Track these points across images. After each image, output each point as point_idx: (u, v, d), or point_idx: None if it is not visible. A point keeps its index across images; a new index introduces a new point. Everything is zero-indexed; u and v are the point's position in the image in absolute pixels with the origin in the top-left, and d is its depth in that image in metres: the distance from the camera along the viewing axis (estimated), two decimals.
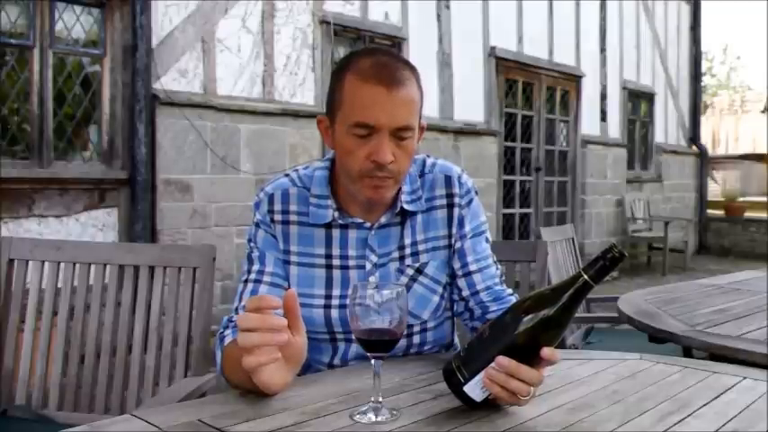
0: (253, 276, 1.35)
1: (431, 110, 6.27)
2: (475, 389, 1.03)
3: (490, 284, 1.39)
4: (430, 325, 1.40)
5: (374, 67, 1.23)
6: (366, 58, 1.27)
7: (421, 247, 1.38)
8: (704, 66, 16.97)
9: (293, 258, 1.36)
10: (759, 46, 49.97)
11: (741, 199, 13.29)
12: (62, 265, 1.88)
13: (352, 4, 5.71)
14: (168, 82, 4.53)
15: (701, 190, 11.04)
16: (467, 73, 6.71)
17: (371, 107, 1.21)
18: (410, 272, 1.37)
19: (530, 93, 7.70)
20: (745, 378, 1.25)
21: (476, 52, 6.89)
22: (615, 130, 8.89)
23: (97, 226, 4.31)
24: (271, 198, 1.37)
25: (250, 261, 1.38)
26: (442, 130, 6.41)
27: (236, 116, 4.88)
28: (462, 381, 1.04)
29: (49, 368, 1.86)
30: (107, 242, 4.12)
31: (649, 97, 9.67)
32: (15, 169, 3.99)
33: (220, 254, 2.33)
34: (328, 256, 1.35)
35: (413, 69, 1.29)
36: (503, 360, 0.99)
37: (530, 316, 1.01)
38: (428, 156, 1.45)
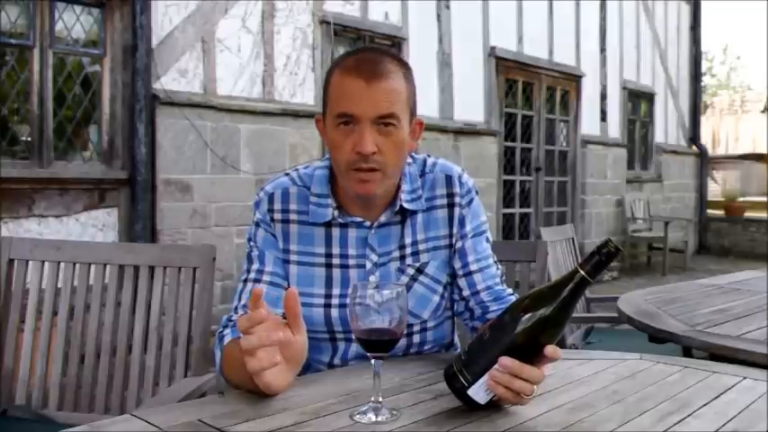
0: (252, 276, 1.36)
1: (431, 110, 6.27)
2: (479, 392, 1.03)
3: (491, 284, 1.39)
4: (430, 324, 1.40)
5: (356, 62, 1.28)
6: (352, 55, 1.32)
7: (421, 247, 1.38)
8: (704, 66, 16.97)
9: (293, 257, 1.36)
10: (759, 46, 49.99)
11: (741, 199, 13.29)
12: (62, 265, 1.88)
13: (352, 4, 5.71)
14: (168, 82, 4.53)
15: (701, 190, 11.04)
16: (467, 73, 6.71)
17: (351, 97, 1.24)
18: (410, 271, 1.37)
19: (530, 93, 7.70)
20: (745, 378, 1.25)
21: (476, 52, 6.89)
22: (615, 130, 8.89)
23: (97, 226, 4.31)
24: (271, 197, 1.38)
25: (250, 260, 1.38)
26: (442, 130, 6.41)
27: (236, 116, 4.88)
28: (465, 384, 1.04)
29: (49, 368, 1.86)
30: (107, 242, 4.11)
31: (649, 97, 9.67)
32: (15, 169, 3.99)
33: (220, 254, 2.33)
34: (328, 255, 1.36)
35: (401, 63, 1.31)
36: (506, 360, 0.99)
37: (529, 315, 1.01)
38: (429, 155, 1.45)
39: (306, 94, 5.34)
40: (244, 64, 4.94)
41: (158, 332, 1.84)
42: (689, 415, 1.06)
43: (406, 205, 1.36)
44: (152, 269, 1.86)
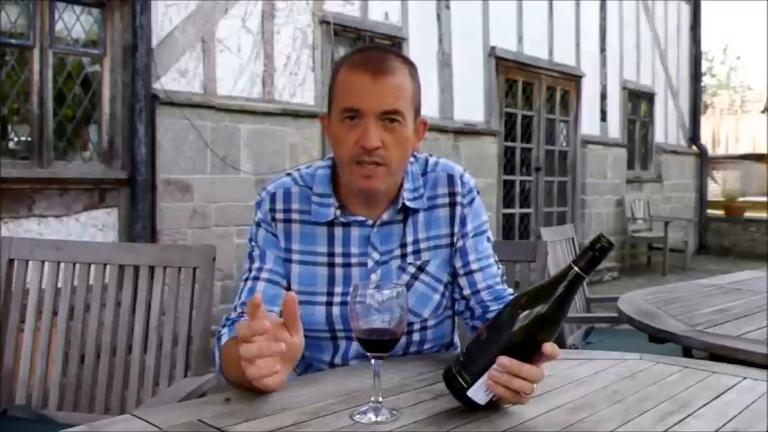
0: (252, 274, 1.37)
1: (431, 110, 6.26)
2: (478, 392, 1.03)
3: (491, 283, 1.40)
4: (430, 323, 1.41)
5: (363, 58, 1.30)
6: (359, 52, 1.34)
7: (423, 246, 1.39)
8: (704, 66, 16.96)
9: (295, 257, 1.37)
10: (759, 46, 49.98)
11: (741, 199, 13.29)
12: (62, 265, 1.88)
13: (352, 3, 5.71)
14: (168, 82, 4.53)
15: (701, 190, 11.04)
16: (467, 73, 6.71)
17: (356, 92, 1.25)
18: (412, 270, 1.38)
19: (530, 93, 7.70)
20: (745, 378, 1.25)
21: (476, 52, 6.89)
22: (615, 130, 8.89)
23: (97, 226, 4.31)
24: (273, 197, 1.38)
25: (251, 259, 1.39)
26: (442, 130, 6.41)
27: (236, 116, 4.88)
28: (465, 386, 1.04)
29: (49, 368, 1.86)
30: (107, 242, 4.11)
31: (649, 97, 9.67)
32: (15, 169, 3.99)
33: (220, 254, 2.33)
34: (330, 254, 1.36)
35: (406, 62, 1.33)
36: (504, 360, 1.00)
37: (525, 313, 1.01)
38: (430, 155, 1.46)
39: (306, 94, 5.33)
40: (244, 64, 4.94)
41: (158, 332, 1.84)
42: (689, 415, 1.06)
43: (408, 203, 1.37)
44: (152, 269, 1.86)
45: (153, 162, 4.44)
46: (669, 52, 10.04)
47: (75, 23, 4.26)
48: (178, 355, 1.83)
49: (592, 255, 1.01)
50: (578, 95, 8.23)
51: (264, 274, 1.35)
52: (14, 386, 1.86)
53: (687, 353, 2.12)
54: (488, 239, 1.44)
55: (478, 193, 1.45)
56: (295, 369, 1.36)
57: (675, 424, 1.02)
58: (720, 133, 19.07)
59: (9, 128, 4.12)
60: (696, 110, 10.85)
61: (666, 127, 10.14)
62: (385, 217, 1.36)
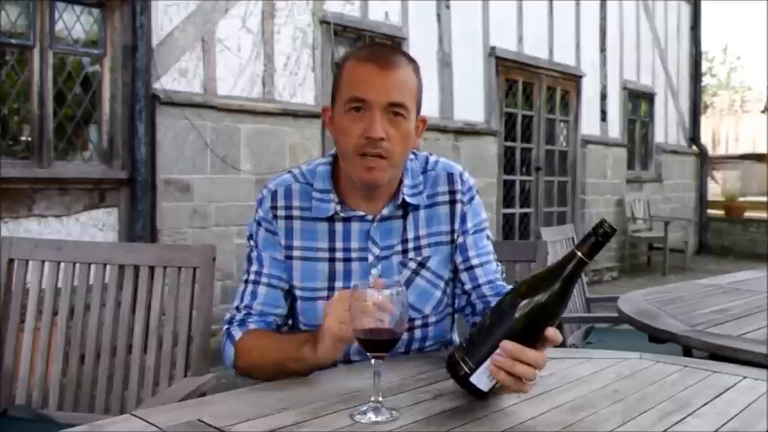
0: (252, 277, 1.40)
1: (431, 110, 6.26)
2: (481, 378, 1.03)
3: (492, 279, 1.42)
4: (431, 320, 1.42)
5: (370, 52, 1.35)
6: (366, 47, 1.42)
7: (423, 242, 1.41)
8: (704, 66, 16.94)
9: (296, 253, 1.38)
10: (759, 46, 49.98)
11: (741, 199, 13.29)
12: (62, 265, 1.88)
13: (353, 3, 5.71)
14: (168, 82, 4.53)
15: (701, 190, 11.03)
16: (467, 73, 6.71)
17: (364, 83, 1.28)
18: (413, 265, 1.40)
19: (530, 93, 7.69)
20: (745, 378, 1.25)
21: (476, 52, 6.89)
22: (615, 130, 8.89)
23: (97, 226, 4.31)
24: (274, 194, 1.40)
25: (249, 261, 1.42)
26: (442, 130, 6.41)
27: (236, 116, 4.88)
28: (468, 372, 1.04)
29: (49, 368, 1.86)
30: (107, 242, 4.11)
31: (649, 97, 9.67)
32: (15, 169, 3.99)
33: (220, 254, 2.33)
34: (331, 250, 1.38)
35: (411, 60, 1.36)
36: (507, 344, 1.00)
37: (528, 299, 1.01)
38: (430, 154, 1.48)
39: (306, 94, 5.33)
40: (244, 64, 4.94)
41: (158, 332, 1.84)
42: (689, 414, 1.06)
43: (407, 199, 1.39)
44: (152, 269, 1.86)
45: (153, 162, 4.44)
46: (669, 52, 10.04)
47: (75, 23, 4.26)
48: (178, 355, 1.83)
49: (594, 240, 1.01)
50: (578, 95, 8.23)
51: (264, 279, 1.38)
52: (14, 386, 1.86)
53: (687, 353, 2.12)
54: (488, 237, 1.47)
55: (477, 191, 1.47)
56: None
57: (675, 423, 1.02)
58: (720, 133, 19.06)
59: (9, 128, 4.12)
60: (696, 110, 10.85)
61: (666, 127, 10.14)
62: (385, 212, 1.38)
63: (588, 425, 1.02)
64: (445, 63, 6.50)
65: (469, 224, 1.43)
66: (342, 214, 1.37)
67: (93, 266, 1.88)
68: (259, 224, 1.40)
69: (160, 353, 1.83)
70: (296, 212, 1.38)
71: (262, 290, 1.37)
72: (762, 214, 11.15)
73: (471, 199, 1.44)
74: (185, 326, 1.83)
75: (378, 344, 1.04)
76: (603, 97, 8.61)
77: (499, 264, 1.47)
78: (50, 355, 1.87)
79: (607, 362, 1.36)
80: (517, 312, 1.01)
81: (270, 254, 1.38)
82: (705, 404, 1.11)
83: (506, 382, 1.02)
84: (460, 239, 1.42)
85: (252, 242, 1.41)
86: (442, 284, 1.42)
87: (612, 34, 8.68)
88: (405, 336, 1.37)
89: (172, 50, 4.56)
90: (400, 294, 1.03)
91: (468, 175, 1.46)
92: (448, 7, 6.52)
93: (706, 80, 23.67)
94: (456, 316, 1.51)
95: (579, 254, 1.02)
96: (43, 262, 1.89)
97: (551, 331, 1.02)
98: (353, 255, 1.38)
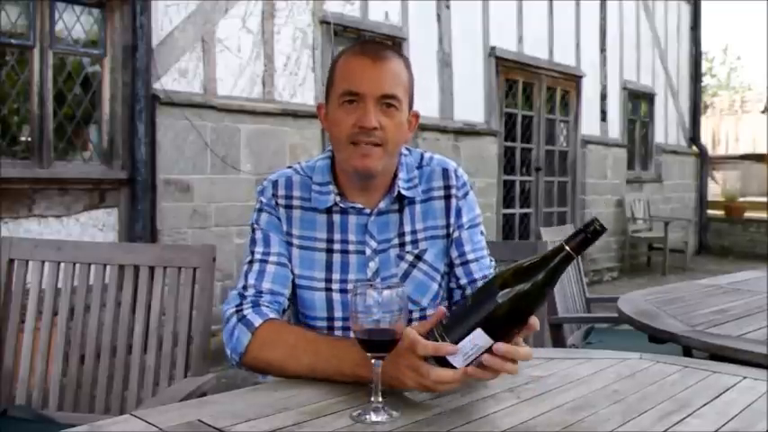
0: (258, 257, 1.38)
1: (431, 110, 6.26)
2: (457, 357, 1.03)
3: (486, 274, 1.45)
4: (429, 312, 1.43)
5: (361, 46, 1.38)
6: (357, 43, 1.43)
7: (420, 236, 1.43)
8: (704, 66, 16.94)
9: (295, 242, 1.40)
10: (759, 46, 49.98)
11: (741, 199, 13.29)
12: (62, 265, 1.88)
13: (353, 4, 5.71)
14: (168, 82, 4.53)
15: (701, 190, 11.03)
16: (467, 73, 6.71)
17: (357, 75, 1.31)
18: (410, 258, 1.42)
19: (530, 93, 7.69)
20: (745, 378, 1.25)
21: (476, 52, 6.89)
22: (615, 130, 8.89)
23: (97, 226, 4.31)
24: (275, 184, 1.43)
25: (254, 242, 1.41)
26: (442, 130, 6.41)
27: (236, 116, 4.88)
28: None
29: (49, 368, 1.86)
30: (107, 242, 4.11)
31: (649, 97, 9.67)
32: (15, 169, 3.99)
33: (220, 254, 2.33)
34: (329, 241, 1.40)
35: (401, 55, 1.40)
36: (501, 347, 1.02)
37: (512, 286, 1.02)
38: (425, 151, 1.51)
39: (306, 94, 5.33)
40: (244, 64, 4.94)
41: (158, 332, 1.84)
42: (689, 415, 1.06)
43: (403, 192, 1.41)
44: (152, 269, 1.86)
45: (153, 162, 4.44)
46: (669, 52, 10.04)
47: (75, 23, 4.26)
48: (178, 355, 1.83)
49: (584, 236, 1.03)
50: (578, 95, 8.23)
51: (273, 258, 1.37)
52: (14, 386, 1.86)
53: (687, 353, 2.12)
54: (482, 233, 1.49)
55: (471, 187, 1.50)
56: None
57: (675, 424, 1.02)
58: (720, 133, 19.06)
59: (9, 128, 4.12)
60: (696, 110, 10.85)
61: (666, 127, 10.14)
62: (381, 206, 1.40)
63: (588, 425, 1.02)
64: (445, 63, 6.50)
65: (465, 219, 1.45)
66: (340, 205, 1.39)
67: (93, 267, 1.88)
68: (261, 210, 1.42)
69: (160, 353, 1.83)
70: (296, 202, 1.41)
71: (271, 268, 1.36)
72: (762, 214, 11.15)
73: (466, 194, 1.47)
74: (185, 326, 1.83)
75: (378, 344, 1.04)
76: (603, 97, 8.62)
77: (492, 259, 1.50)
78: (50, 355, 1.87)
79: (607, 362, 1.36)
80: (500, 298, 1.02)
81: (276, 234, 1.40)
82: (705, 404, 1.11)
83: (485, 376, 1.05)
84: (456, 234, 1.45)
85: (255, 226, 1.41)
86: (438, 277, 1.44)
87: (612, 34, 8.67)
88: None
89: (172, 50, 4.56)
90: (400, 294, 1.03)
91: (463, 172, 1.49)
92: (448, 7, 6.52)
93: (706, 80, 23.69)
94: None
95: (567, 248, 1.03)
96: (43, 262, 1.89)
97: (531, 319, 1.04)
98: (351, 247, 1.40)
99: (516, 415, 1.05)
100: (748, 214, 11.57)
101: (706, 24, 13.24)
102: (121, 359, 1.84)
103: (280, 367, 1.23)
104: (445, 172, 1.46)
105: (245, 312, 1.29)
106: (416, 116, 1.43)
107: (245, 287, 1.34)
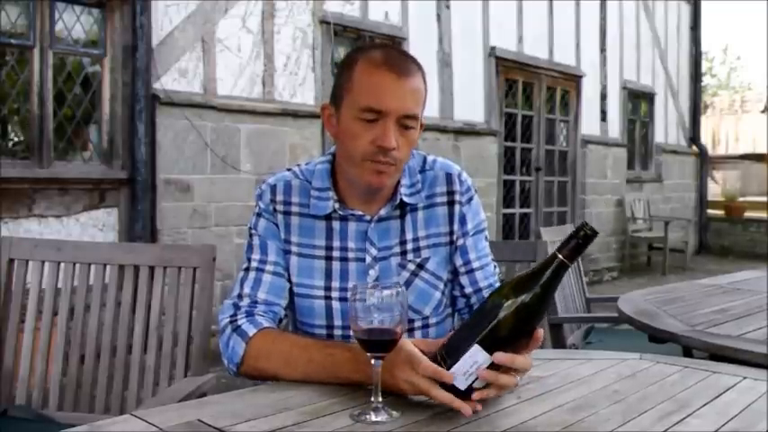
0: (254, 265, 1.37)
1: (431, 110, 6.26)
2: (457, 378, 1.03)
3: (492, 282, 1.42)
4: (432, 321, 1.42)
5: (385, 56, 1.29)
6: (378, 49, 1.34)
7: (422, 243, 1.40)
8: (704, 66, 16.93)
9: (294, 249, 1.38)
10: (759, 46, 49.97)
11: (741, 199, 13.29)
12: (62, 265, 1.88)
13: (353, 3, 5.71)
14: (168, 82, 4.53)
15: (701, 190, 11.03)
16: (467, 73, 6.71)
17: (382, 92, 1.25)
18: (411, 267, 1.39)
19: (530, 93, 7.69)
20: (745, 378, 1.25)
21: (476, 52, 6.89)
22: (615, 130, 8.89)
23: (97, 226, 4.31)
24: (273, 189, 1.40)
25: (250, 249, 1.39)
26: (442, 130, 6.41)
27: (236, 116, 4.88)
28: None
29: (48, 368, 1.86)
30: (107, 242, 4.11)
31: (649, 97, 9.67)
32: (15, 169, 3.99)
33: (220, 254, 2.32)
34: (329, 248, 1.37)
35: (420, 65, 1.34)
36: (500, 356, 1.01)
37: (510, 302, 1.02)
38: (428, 154, 1.48)
39: (306, 94, 5.33)
40: (244, 64, 4.94)
41: (158, 332, 1.84)
42: (689, 415, 1.06)
43: (405, 199, 1.38)
44: (152, 269, 1.86)
45: (153, 162, 4.44)
46: (669, 52, 10.03)
47: (75, 23, 4.26)
48: (178, 355, 1.83)
49: (576, 243, 1.02)
50: (578, 95, 8.23)
51: (269, 267, 1.36)
52: (14, 386, 1.86)
53: (687, 353, 2.12)
54: (486, 238, 1.47)
55: (476, 191, 1.46)
56: None
57: (675, 424, 1.02)
58: (720, 133, 19.05)
59: (9, 128, 4.12)
60: (696, 110, 10.84)
61: (666, 127, 10.14)
62: (382, 213, 1.37)
63: (588, 425, 1.02)
64: (445, 63, 6.50)
65: (469, 226, 1.42)
66: (339, 212, 1.36)
67: (93, 266, 1.88)
68: (260, 215, 1.40)
69: (160, 353, 1.83)
70: (294, 208, 1.38)
71: (267, 278, 1.34)
72: (762, 214, 11.15)
73: (470, 199, 1.43)
74: (185, 326, 1.83)
75: (378, 344, 1.04)
76: (603, 97, 8.61)
77: (496, 264, 1.48)
78: (50, 355, 1.87)
79: (607, 362, 1.36)
80: (499, 315, 1.01)
81: (273, 242, 1.38)
82: (705, 404, 1.11)
83: (488, 395, 1.04)
84: (460, 241, 1.41)
85: (253, 231, 1.40)
86: (441, 285, 1.41)
87: (612, 34, 8.67)
88: (405, 337, 1.38)
89: (172, 50, 4.56)
90: (400, 294, 1.03)
91: (467, 176, 1.45)
92: (448, 7, 6.52)
93: (706, 80, 23.67)
94: (456, 317, 1.51)
95: (560, 256, 1.02)
96: (43, 262, 1.89)
97: (537, 332, 1.04)
98: (350, 255, 1.37)
99: (516, 415, 1.05)
100: (748, 214, 11.57)
101: (706, 24, 13.24)
102: (121, 359, 1.84)
103: (275, 376, 1.23)
104: (449, 177, 1.42)
105: (240, 322, 1.29)
106: (422, 125, 1.38)
107: (240, 296, 1.34)
